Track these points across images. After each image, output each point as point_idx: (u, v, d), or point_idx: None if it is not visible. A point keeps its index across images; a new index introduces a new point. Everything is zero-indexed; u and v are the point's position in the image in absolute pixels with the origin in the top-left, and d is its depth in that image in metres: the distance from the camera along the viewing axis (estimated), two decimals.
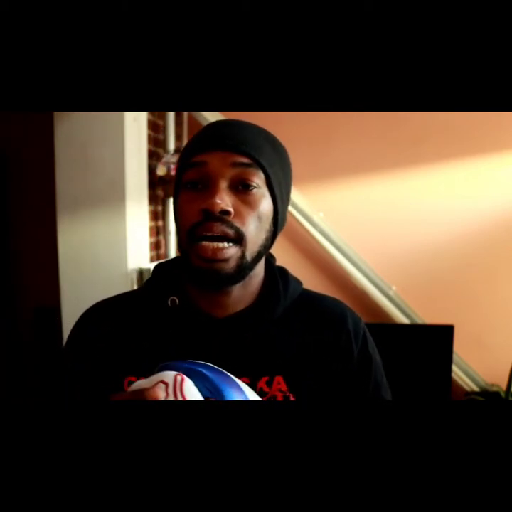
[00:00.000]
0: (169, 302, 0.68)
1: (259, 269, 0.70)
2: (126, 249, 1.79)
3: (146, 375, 0.58)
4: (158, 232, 2.30)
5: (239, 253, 0.63)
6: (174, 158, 2.17)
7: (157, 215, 2.28)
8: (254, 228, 0.64)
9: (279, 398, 0.65)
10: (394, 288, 2.41)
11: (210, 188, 0.63)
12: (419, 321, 2.39)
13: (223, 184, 0.63)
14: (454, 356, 2.24)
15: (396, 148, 2.39)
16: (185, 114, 2.50)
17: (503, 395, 2.28)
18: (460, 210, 2.38)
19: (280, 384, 0.65)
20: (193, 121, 2.43)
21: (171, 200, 2.31)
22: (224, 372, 0.57)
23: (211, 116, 2.28)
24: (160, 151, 2.26)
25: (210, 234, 0.62)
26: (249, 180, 0.64)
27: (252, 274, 0.67)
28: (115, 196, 1.78)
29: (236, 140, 0.64)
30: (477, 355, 2.40)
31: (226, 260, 0.62)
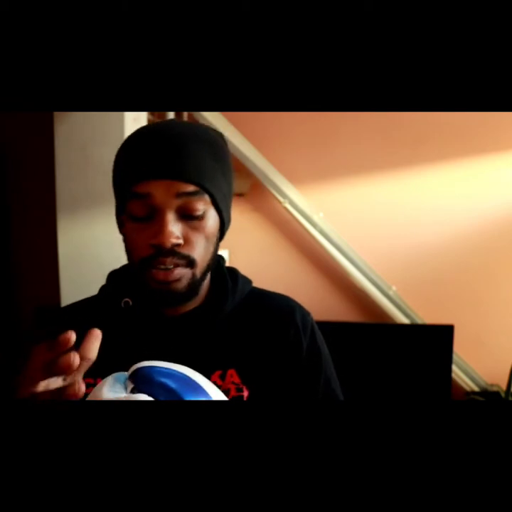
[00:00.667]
0: (123, 304, 0.71)
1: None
2: None
3: (103, 376, 0.59)
4: None
5: (189, 274, 0.66)
6: None
7: None
8: (203, 250, 0.66)
9: (233, 391, 0.66)
10: (394, 288, 2.41)
11: (158, 221, 0.63)
12: (419, 321, 2.39)
13: (171, 216, 0.63)
14: (454, 356, 2.24)
15: (396, 148, 2.39)
16: (185, 114, 2.50)
17: (503, 395, 2.28)
18: (460, 210, 2.38)
19: (233, 377, 0.67)
20: (193, 122, 2.43)
21: None
22: (190, 379, 0.56)
23: (211, 117, 2.28)
24: None
25: (162, 267, 0.64)
26: (197, 209, 0.64)
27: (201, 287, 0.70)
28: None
29: (180, 167, 0.62)
30: (477, 355, 2.40)
31: (179, 280, 0.65)
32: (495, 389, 2.38)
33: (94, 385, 0.65)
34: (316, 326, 0.78)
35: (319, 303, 2.45)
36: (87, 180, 1.79)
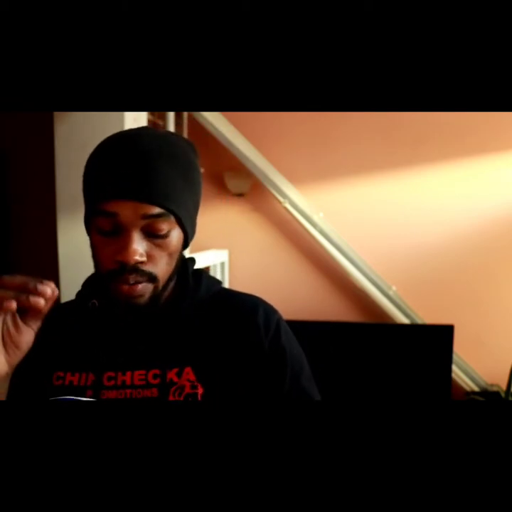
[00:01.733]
0: (90, 305, 0.75)
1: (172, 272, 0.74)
2: None
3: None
4: None
5: (151, 288, 0.69)
6: None
7: None
8: (166, 265, 0.70)
9: (187, 388, 0.69)
10: (394, 288, 2.41)
11: (123, 238, 0.66)
12: (419, 321, 2.39)
13: (136, 235, 0.65)
14: (454, 356, 2.24)
15: (396, 148, 2.39)
16: (185, 114, 2.50)
17: (503, 395, 2.28)
18: (460, 210, 2.38)
19: (189, 374, 0.70)
20: (193, 121, 2.43)
21: None
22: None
23: (211, 117, 2.28)
24: None
25: (126, 282, 0.67)
26: (161, 230, 0.67)
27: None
28: None
29: (147, 190, 0.64)
30: (477, 355, 2.40)
31: (141, 296, 0.68)
32: (495, 389, 2.38)
33: (64, 378, 0.72)
34: (282, 325, 0.79)
35: (319, 303, 2.45)
36: None
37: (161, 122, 2.30)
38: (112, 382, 0.70)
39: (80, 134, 1.79)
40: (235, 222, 2.50)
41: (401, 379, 2.16)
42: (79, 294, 0.81)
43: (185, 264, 0.79)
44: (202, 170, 2.25)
